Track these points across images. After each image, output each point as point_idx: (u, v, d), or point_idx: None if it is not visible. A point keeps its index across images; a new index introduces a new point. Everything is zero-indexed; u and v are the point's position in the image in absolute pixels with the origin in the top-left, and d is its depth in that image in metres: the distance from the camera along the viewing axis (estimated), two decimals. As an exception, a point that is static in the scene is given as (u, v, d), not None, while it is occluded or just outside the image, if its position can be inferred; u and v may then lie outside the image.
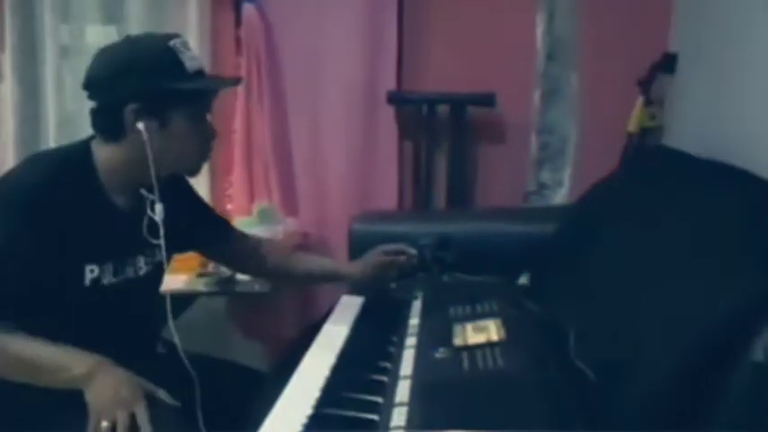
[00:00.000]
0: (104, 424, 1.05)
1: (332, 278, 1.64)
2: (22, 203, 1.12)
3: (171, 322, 1.26)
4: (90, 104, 1.23)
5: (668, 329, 0.95)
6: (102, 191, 1.21)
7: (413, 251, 1.55)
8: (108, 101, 1.19)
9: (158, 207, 1.23)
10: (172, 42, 1.19)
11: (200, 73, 1.22)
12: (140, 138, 1.17)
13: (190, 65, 1.20)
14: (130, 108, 1.16)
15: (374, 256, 1.55)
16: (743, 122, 1.51)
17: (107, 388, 1.08)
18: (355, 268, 1.58)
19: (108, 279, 1.22)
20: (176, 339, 1.26)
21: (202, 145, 1.27)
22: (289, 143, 2.32)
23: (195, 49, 2.19)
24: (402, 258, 1.54)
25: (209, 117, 1.28)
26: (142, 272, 1.29)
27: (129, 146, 1.19)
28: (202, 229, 1.46)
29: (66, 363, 1.10)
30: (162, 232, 1.23)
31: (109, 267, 1.22)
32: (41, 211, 1.12)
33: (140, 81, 1.16)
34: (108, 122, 1.20)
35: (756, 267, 0.93)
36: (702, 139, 1.63)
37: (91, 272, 1.19)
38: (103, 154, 1.22)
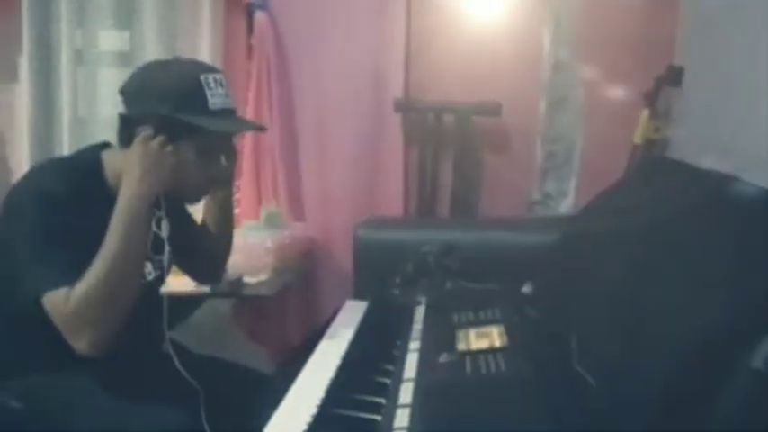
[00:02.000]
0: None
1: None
2: (42, 206, 1.15)
3: (165, 326, 1.29)
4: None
5: (668, 337, 0.96)
6: (111, 199, 1.23)
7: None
8: (129, 113, 1.24)
9: (164, 224, 1.26)
10: (203, 76, 1.22)
11: (223, 112, 1.24)
12: None
13: (213, 102, 1.22)
14: (143, 128, 1.19)
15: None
16: (748, 135, 1.52)
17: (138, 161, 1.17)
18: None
19: None
20: (170, 349, 1.28)
21: (204, 179, 1.29)
22: (296, 149, 2.35)
23: (207, 54, 2.24)
24: None
25: (222, 155, 1.31)
26: (151, 277, 1.31)
27: None
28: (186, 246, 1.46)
29: (126, 208, 1.16)
30: (167, 248, 1.27)
31: None
32: (58, 212, 1.15)
33: (158, 106, 1.19)
34: (124, 132, 1.24)
35: (757, 276, 0.94)
36: (707, 152, 1.64)
37: None
38: (116, 161, 1.26)
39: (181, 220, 1.42)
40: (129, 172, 1.18)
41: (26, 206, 1.17)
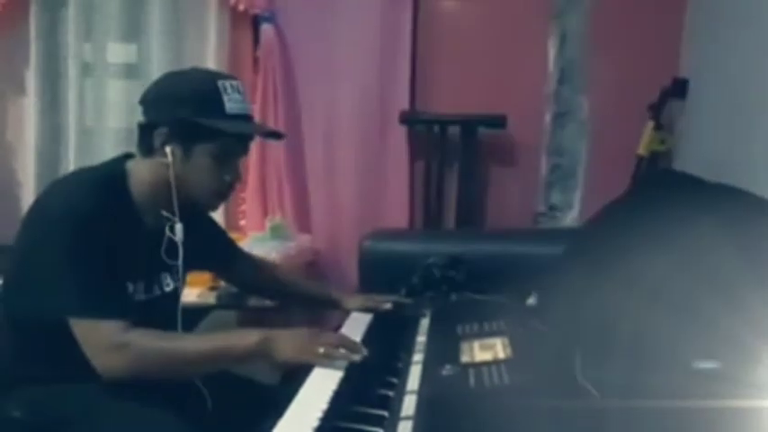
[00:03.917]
0: (320, 350, 1.18)
1: (326, 303, 1.67)
2: (75, 224, 1.15)
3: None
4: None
5: (673, 350, 0.95)
6: (134, 210, 1.25)
7: (406, 301, 1.61)
8: (148, 119, 1.26)
9: (178, 227, 1.27)
10: (221, 82, 1.24)
11: (240, 117, 1.25)
12: (165, 160, 1.22)
13: (229, 106, 1.23)
14: (161, 131, 1.22)
15: (371, 301, 1.59)
16: (752, 147, 1.52)
17: (290, 340, 1.19)
18: (351, 303, 1.60)
19: (139, 296, 1.26)
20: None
21: (218, 184, 1.28)
22: (302, 161, 2.36)
23: (213, 66, 2.25)
24: (387, 307, 1.57)
25: (239, 161, 1.31)
26: (168, 288, 1.33)
27: (156, 166, 1.24)
28: (217, 251, 1.52)
29: (235, 341, 1.20)
30: (181, 252, 1.28)
31: (141, 285, 1.26)
32: (91, 231, 1.15)
33: (175, 109, 1.21)
34: (143, 139, 1.26)
35: (763, 289, 0.93)
36: (712, 164, 1.64)
37: (128, 289, 1.23)
38: (138, 172, 1.27)
39: (205, 228, 1.46)
40: (285, 344, 1.19)
41: (54, 222, 1.17)
